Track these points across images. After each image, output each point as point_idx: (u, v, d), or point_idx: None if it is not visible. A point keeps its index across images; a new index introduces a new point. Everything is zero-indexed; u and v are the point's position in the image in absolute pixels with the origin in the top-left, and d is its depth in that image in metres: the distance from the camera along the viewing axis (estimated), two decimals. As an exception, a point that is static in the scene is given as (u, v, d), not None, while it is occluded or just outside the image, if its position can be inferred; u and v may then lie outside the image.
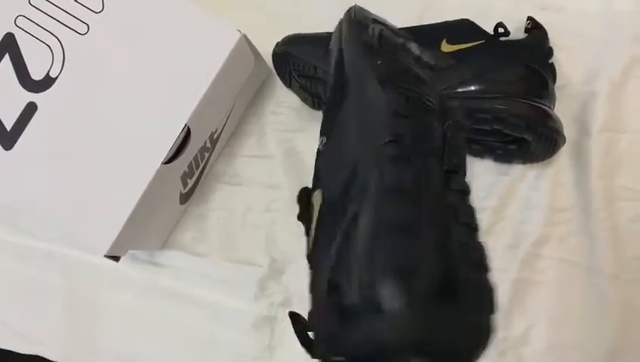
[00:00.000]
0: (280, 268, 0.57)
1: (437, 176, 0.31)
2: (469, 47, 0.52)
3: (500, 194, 0.55)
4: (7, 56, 0.48)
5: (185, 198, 0.57)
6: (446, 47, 0.52)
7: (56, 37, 0.48)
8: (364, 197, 0.29)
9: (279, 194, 0.58)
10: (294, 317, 0.34)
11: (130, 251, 0.50)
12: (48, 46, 0.48)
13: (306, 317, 0.35)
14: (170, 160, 0.47)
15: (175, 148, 0.47)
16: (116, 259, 0.48)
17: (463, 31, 0.53)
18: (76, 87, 0.47)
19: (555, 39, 0.54)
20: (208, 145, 0.54)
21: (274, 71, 0.58)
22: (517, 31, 0.55)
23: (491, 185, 0.56)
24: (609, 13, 0.58)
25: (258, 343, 0.56)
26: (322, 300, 0.29)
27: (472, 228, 0.31)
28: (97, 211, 0.46)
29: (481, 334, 0.28)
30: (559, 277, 0.54)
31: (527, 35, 0.55)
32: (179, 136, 0.46)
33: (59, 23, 0.48)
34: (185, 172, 0.52)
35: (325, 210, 0.32)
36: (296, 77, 0.56)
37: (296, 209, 0.57)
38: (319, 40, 0.50)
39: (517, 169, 0.56)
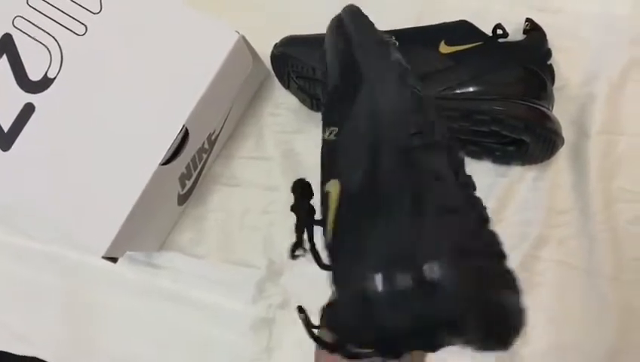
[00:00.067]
0: (278, 270, 0.57)
1: (450, 168, 0.33)
2: (467, 49, 0.52)
3: (498, 196, 0.55)
4: (4, 57, 0.48)
5: (183, 200, 0.57)
6: (444, 49, 0.52)
7: (54, 38, 0.48)
8: (399, 186, 0.30)
9: (277, 196, 0.58)
10: (304, 312, 0.34)
11: (127, 252, 0.50)
12: (46, 47, 0.48)
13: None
14: (167, 161, 0.47)
15: (173, 149, 0.47)
16: (114, 260, 0.48)
17: (461, 32, 0.53)
18: (74, 88, 0.47)
19: (553, 41, 0.54)
20: (206, 146, 0.54)
21: (272, 72, 0.58)
22: (515, 32, 0.55)
23: (490, 186, 0.56)
24: (607, 15, 0.58)
25: (256, 345, 0.56)
26: (359, 288, 0.29)
27: (485, 219, 0.33)
28: (95, 212, 0.46)
29: (521, 313, 0.29)
30: (558, 278, 0.54)
31: (525, 36, 0.55)
32: (177, 137, 0.46)
33: (57, 24, 0.48)
34: (183, 173, 0.52)
35: (346, 200, 0.32)
36: (294, 78, 0.56)
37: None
38: (318, 41, 0.50)
39: (515, 170, 0.56)
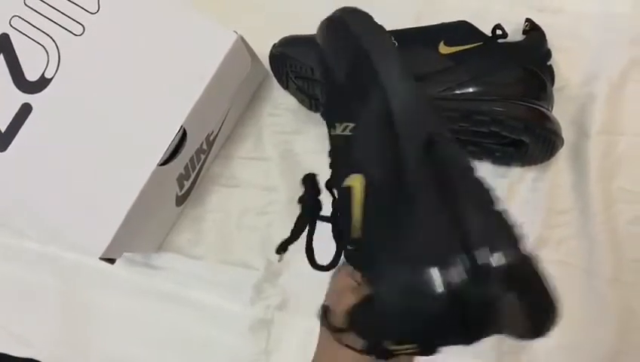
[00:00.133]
0: (276, 271, 0.57)
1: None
2: (466, 49, 0.52)
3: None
4: (1, 57, 0.48)
5: (181, 200, 0.57)
6: (444, 49, 0.51)
7: (51, 38, 0.48)
8: (430, 179, 0.31)
9: (276, 197, 0.58)
10: (328, 311, 0.34)
11: (125, 253, 0.50)
12: (43, 47, 0.48)
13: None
14: (166, 161, 0.47)
15: (171, 150, 0.47)
16: (111, 261, 0.48)
17: (460, 33, 0.53)
18: (71, 88, 0.47)
19: (553, 41, 0.54)
20: (204, 147, 0.54)
21: (271, 72, 0.58)
22: (515, 33, 0.55)
23: (489, 187, 0.55)
24: (607, 15, 0.57)
25: (254, 346, 0.56)
26: (410, 282, 0.29)
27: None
28: (92, 213, 0.46)
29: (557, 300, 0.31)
30: (558, 279, 0.54)
31: (525, 36, 0.55)
32: (175, 137, 0.46)
33: (54, 24, 0.48)
34: (181, 174, 0.52)
35: (375, 194, 0.32)
36: (293, 78, 0.55)
37: (293, 211, 0.57)
38: (317, 42, 0.50)
39: (515, 171, 0.56)
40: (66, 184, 0.46)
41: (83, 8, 0.48)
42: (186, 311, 0.57)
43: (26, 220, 0.48)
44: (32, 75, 0.47)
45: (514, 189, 0.55)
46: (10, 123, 0.47)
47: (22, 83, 0.47)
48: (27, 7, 0.48)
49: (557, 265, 0.54)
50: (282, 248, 0.37)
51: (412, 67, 0.50)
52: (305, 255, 0.38)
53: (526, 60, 0.52)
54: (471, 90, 0.50)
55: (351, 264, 0.36)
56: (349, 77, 0.35)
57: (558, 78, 0.54)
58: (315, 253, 0.38)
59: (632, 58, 0.56)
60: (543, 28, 0.54)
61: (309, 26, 0.54)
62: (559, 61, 0.55)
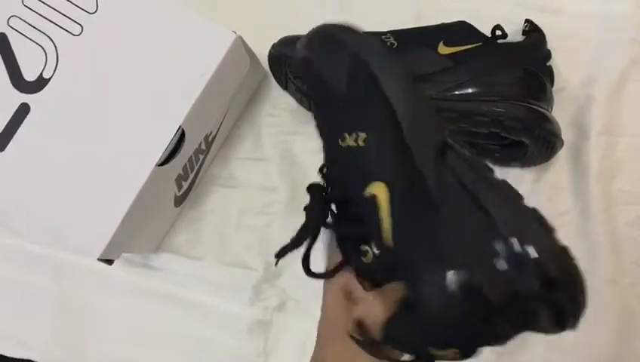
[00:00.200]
0: (275, 272, 0.57)
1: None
2: (466, 50, 0.51)
3: (497, 198, 0.55)
4: (-1, 57, 0.48)
5: (180, 201, 0.56)
6: (443, 49, 0.51)
7: (49, 38, 0.48)
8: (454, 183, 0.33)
9: (275, 197, 0.58)
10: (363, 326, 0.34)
11: (123, 254, 0.50)
12: (41, 47, 0.48)
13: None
14: (164, 162, 0.47)
15: (169, 150, 0.47)
16: (110, 262, 0.48)
17: (460, 33, 0.53)
18: (70, 88, 0.47)
19: (553, 42, 0.54)
20: (203, 147, 0.54)
21: (270, 73, 0.58)
22: (515, 33, 0.55)
23: (489, 188, 0.55)
24: (607, 15, 0.57)
25: (253, 347, 0.56)
26: (451, 284, 0.29)
27: None
28: (90, 214, 0.46)
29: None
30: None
31: (524, 37, 0.55)
32: (173, 138, 0.46)
33: (52, 24, 0.48)
34: (180, 174, 0.52)
35: (401, 201, 0.33)
36: (292, 79, 0.55)
37: (291, 211, 0.57)
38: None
39: (515, 172, 0.56)
40: (64, 184, 0.46)
41: (81, 8, 0.48)
42: (185, 312, 0.57)
43: (24, 221, 0.48)
44: (30, 75, 0.47)
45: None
46: (8, 123, 0.47)
47: (20, 83, 0.47)
48: (25, 7, 0.48)
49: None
50: (281, 254, 0.37)
51: (411, 67, 0.50)
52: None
53: (526, 61, 0.52)
54: (470, 90, 0.50)
55: (371, 274, 0.36)
56: (350, 88, 0.35)
57: (558, 79, 0.54)
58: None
59: (632, 58, 0.56)
60: (543, 28, 0.54)
61: (309, 26, 0.53)
62: (559, 62, 0.55)
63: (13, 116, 0.47)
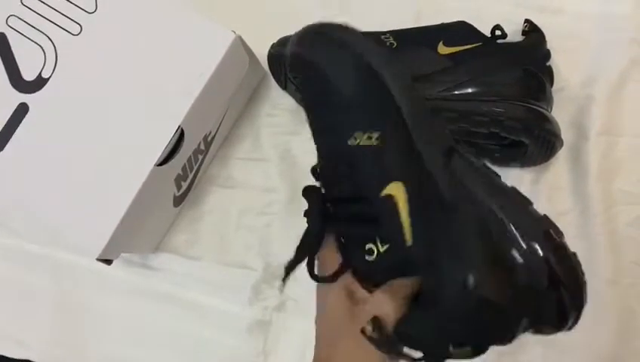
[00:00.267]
0: (274, 272, 0.57)
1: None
2: (466, 50, 0.51)
3: (497, 198, 0.55)
4: (-2, 57, 0.47)
5: (179, 201, 0.56)
6: (443, 49, 0.51)
7: (48, 37, 0.48)
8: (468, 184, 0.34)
9: (274, 197, 0.58)
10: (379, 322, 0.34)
11: (122, 254, 0.50)
12: (40, 46, 0.48)
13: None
14: (163, 162, 0.47)
15: (168, 150, 0.47)
16: (108, 262, 0.48)
17: (460, 33, 0.53)
18: (68, 88, 0.47)
19: (552, 42, 0.54)
20: (202, 147, 0.54)
21: (269, 72, 0.57)
22: (514, 33, 0.55)
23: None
24: (607, 15, 0.57)
25: (252, 348, 0.56)
26: (473, 282, 0.30)
27: None
28: (89, 214, 0.46)
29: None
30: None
31: (524, 37, 0.55)
32: (172, 138, 0.46)
33: (51, 23, 0.48)
34: (179, 174, 0.52)
35: (416, 199, 0.33)
36: (291, 79, 0.55)
37: (291, 212, 0.57)
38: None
39: (514, 172, 0.56)
40: (62, 184, 0.46)
41: (80, 8, 0.48)
42: (184, 312, 0.57)
43: (23, 220, 0.48)
44: (29, 74, 0.47)
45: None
46: (7, 123, 0.46)
47: (19, 83, 0.47)
48: (24, 7, 0.48)
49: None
50: (290, 269, 0.37)
51: (411, 67, 0.50)
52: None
53: (525, 61, 0.52)
54: (470, 90, 0.50)
55: (374, 272, 0.36)
56: (358, 87, 0.35)
57: (558, 79, 0.54)
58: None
59: (632, 58, 0.56)
60: (543, 28, 0.54)
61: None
62: (559, 62, 0.55)
63: (11, 116, 0.47)
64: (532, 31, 0.54)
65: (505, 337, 0.32)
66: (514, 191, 0.35)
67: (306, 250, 0.37)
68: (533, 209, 0.34)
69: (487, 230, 0.32)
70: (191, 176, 0.55)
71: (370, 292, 0.35)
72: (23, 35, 0.48)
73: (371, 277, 0.36)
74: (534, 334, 0.33)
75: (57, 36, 0.48)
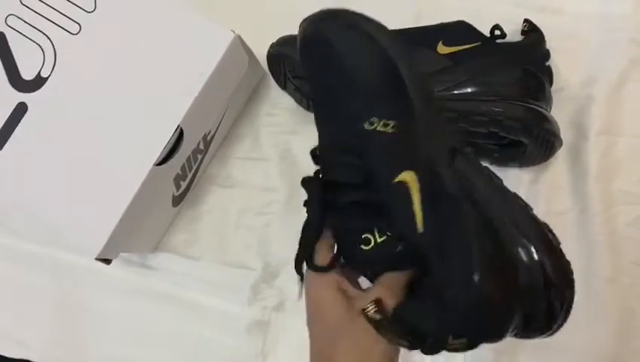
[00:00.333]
0: (274, 272, 0.57)
1: None
2: (465, 49, 0.51)
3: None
4: (-3, 56, 0.47)
5: (178, 201, 0.56)
6: (442, 49, 0.51)
7: (47, 37, 0.48)
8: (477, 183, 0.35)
9: (274, 197, 0.58)
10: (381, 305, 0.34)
11: (121, 254, 0.50)
12: (39, 45, 0.48)
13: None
14: (162, 161, 0.47)
15: (168, 149, 0.47)
16: (107, 261, 0.48)
17: (459, 33, 0.53)
18: (67, 87, 0.47)
19: (552, 42, 0.54)
20: (202, 146, 0.54)
21: (269, 72, 0.57)
22: (514, 33, 0.55)
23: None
24: (607, 15, 0.57)
25: (251, 348, 0.56)
26: (478, 278, 0.31)
27: None
28: (88, 213, 0.46)
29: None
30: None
31: (523, 37, 0.55)
32: (171, 137, 0.46)
33: (50, 23, 0.48)
34: (178, 174, 0.52)
35: (432, 193, 0.34)
36: (291, 78, 0.55)
37: (291, 211, 0.57)
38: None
39: (513, 172, 0.55)
40: (62, 184, 0.46)
41: (79, 7, 0.48)
42: (183, 312, 0.57)
43: (22, 220, 0.48)
44: (27, 73, 0.47)
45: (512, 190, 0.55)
46: (6, 122, 0.46)
47: (17, 82, 0.47)
48: (23, 6, 0.48)
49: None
50: (299, 264, 0.38)
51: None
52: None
53: (525, 61, 0.52)
54: (469, 90, 0.50)
55: (369, 262, 0.36)
56: (376, 74, 0.35)
57: (558, 79, 0.54)
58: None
59: (631, 58, 0.56)
60: (542, 28, 0.54)
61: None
62: (558, 62, 0.55)
63: (10, 115, 0.46)
64: (531, 31, 0.54)
65: (498, 334, 0.33)
66: (515, 195, 0.36)
67: (308, 242, 0.37)
68: (534, 213, 0.36)
69: (493, 228, 0.33)
70: (190, 175, 0.55)
71: (361, 289, 0.36)
72: (22, 34, 0.48)
73: (364, 267, 0.36)
74: (520, 338, 0.34)
75: (56, 35, 0.48)
